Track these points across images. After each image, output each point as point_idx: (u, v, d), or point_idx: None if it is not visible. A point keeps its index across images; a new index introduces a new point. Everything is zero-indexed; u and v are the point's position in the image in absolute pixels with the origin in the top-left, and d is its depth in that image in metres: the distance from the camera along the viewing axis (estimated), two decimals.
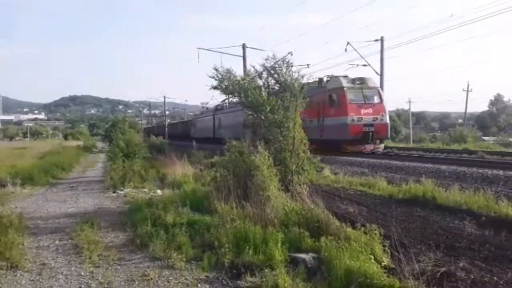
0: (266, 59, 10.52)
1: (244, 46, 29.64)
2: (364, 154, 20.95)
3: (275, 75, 10.34)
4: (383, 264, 5.34)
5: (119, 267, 5.86)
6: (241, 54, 29.75)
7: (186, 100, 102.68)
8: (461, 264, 5.45)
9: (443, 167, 14.33)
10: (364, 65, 30.16)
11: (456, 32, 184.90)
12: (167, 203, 8.90)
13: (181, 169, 15.60)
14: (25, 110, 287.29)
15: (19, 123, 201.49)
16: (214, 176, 9.70)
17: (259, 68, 10.89)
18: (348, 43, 29.57)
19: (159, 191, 12.70)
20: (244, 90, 10.08)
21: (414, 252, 5.53)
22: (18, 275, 5.61)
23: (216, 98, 42.13)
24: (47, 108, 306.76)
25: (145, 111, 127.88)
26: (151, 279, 5.31)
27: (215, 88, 10.96)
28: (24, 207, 10.91)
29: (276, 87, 10.51)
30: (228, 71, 10.70)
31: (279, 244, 5.79)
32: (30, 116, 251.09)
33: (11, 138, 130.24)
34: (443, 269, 5.12)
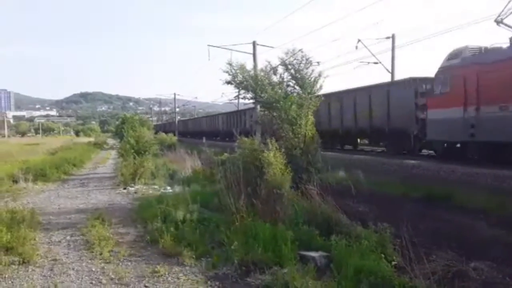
0: (286, 53, 10.37)
1: (254, 44, 29.48)
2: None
3: (292, 71, 10.19)
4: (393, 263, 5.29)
5: (129, 263, 5.89)
6: (251, 52, 29.64)
7: (196, 97, 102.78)
8: (472, 264, 5.40)
9: None
10: (375, 63, 29.88)
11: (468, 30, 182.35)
12: (177, 200, 8.93)
13: (191, 166, 15.64)
14: (37, 106, 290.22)
15: (31, 119, 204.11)
16: (224, 173, 9.68)
17: (276, 62, 10.75)
18: (359, 40, 29.29)
19: (169, 188, 12.73)
20: (260, 86, 9.98)
21: (425, 252, 5.46)
22: (30, 270, 5.65)
23: (227, 95, 41.43)
24: (58, 104, 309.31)
25: (156, 108, 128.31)
26: (161, 275, 5.33)
27: (228, 83, 10.88)
28: (36, 202, 11.03)
29: (291, 83, 10.36)
30: (242, 66, 10.64)
31: (289, 242, 5.76)
32: (42, 112, 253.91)
33: (23, 134, 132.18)
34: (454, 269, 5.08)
